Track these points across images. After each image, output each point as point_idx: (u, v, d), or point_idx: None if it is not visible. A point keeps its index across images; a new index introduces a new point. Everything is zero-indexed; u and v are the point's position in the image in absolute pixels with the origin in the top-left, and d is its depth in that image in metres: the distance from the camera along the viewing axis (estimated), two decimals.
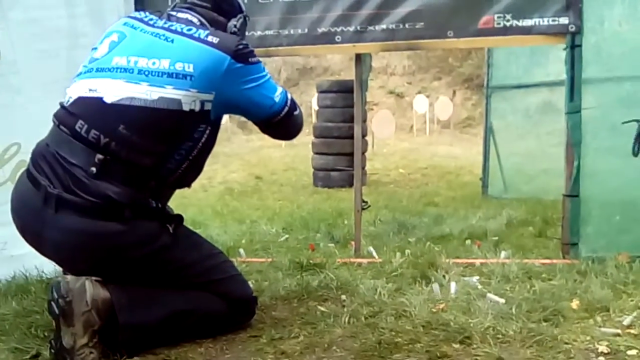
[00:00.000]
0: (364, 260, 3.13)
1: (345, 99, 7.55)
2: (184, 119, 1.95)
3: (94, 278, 1.90)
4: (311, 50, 3.47)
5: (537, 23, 3.05)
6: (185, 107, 1.92)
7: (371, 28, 3.16)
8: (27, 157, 2.81)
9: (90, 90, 1.97)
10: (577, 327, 2.16)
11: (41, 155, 1.98)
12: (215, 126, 2.08)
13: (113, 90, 1.94)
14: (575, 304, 2.38)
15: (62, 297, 1.83)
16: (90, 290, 1.85)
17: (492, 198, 6.01)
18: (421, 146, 12.41)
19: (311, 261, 2.96)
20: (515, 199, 5.61)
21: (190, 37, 1.99)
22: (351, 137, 3.69)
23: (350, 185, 6.58)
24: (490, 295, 2.45)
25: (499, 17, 3.06)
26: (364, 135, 6.99)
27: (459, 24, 3.10)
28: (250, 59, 2.04)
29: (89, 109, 1.96)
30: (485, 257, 3.17)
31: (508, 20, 3.06)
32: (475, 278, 2.74)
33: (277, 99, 2.12)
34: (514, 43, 3.64)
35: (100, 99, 1.94)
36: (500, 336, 2.05)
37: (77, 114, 1.96)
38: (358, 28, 3.16)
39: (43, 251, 2.01)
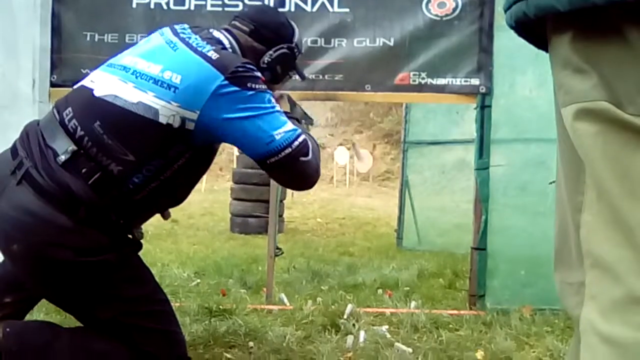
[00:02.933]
0: (275, 307, 3.10)
1: None
2: (159, 132, 1.78)
3: None
4: None
5: (450, 82, 3.19)
6: (162, 120, 1.76)
7: None
8: None
9: (91, 81, 1.89)
10: None
11: (28, 132, 1.89)
12: (202, 154, 1.91)
13: (104, 86, 1.84)
14: (480, 354, 2.43)
15: None
16: None
17: (406, 250, 6.13)
18: (340, 197, 12.57)
19: (220, 307, 2.90)
20: (428, 251, 5.75)
21: (194, 49, 1.83)
22: (270, 184, 3.71)
23: (267, 232, 6.54)
24: (398, 345, 2.46)
25: (414, 75, 3.19)
26: None
27: (377, 78, 3.21)
28: (249, 84, 1.79)
29: (79, 99, 1.87)
30: (396, 307, 3.20)
31: (423, 78, 3.19)
32: (384, 327, 2.76)
33: (277, 137, 1.80)
34: (429, 100, 3.77)
35: (91, 90, 1.84)
36: None
37: (70, 101, 1.88)
38: None
39: None
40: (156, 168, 1.83)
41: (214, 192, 11.47)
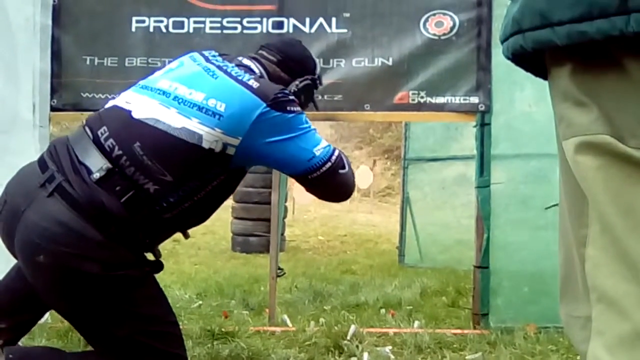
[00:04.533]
0: (278, 329, 3.08)
1: None
2: (201, 156, 1.85)
3: None
4: None
5: (449, 101, 3.19)
6: (205, 145, 1.83)
7: None
8: None
9: (126, 102, 1.94)
10: None
11: (57, 146, 1.92)
12: (234, 176, 1.98)
13: (144, 108, 1.89)
14: None
15: None
16: None
17: (408, 267, 6.10)
18: (341, 214, 12.54)
19: (223, 329, 2.88)
20: (430, 268, 5.72)
21: (234, 78, 1.91)
22: (271, 202, 3.72)
23: (269, 251, 6.52)
24: None
25: (413, 94, 3.19)
26: (284, 201, 7.01)
27: (376, 98, 3.21)
28: (288, 108, 1.89)
29: (116, 119, 1.91)
30: (399, 327, 3.18)
31: (422, 97, 3.19)
32: (388, 348, 2.74)
33: (317, 153, 1.92)
34: (428, 119, 3.80)
35: (130, 112, 1.89)
36: None
37: (105, 121, 1.92)
38: None
39: (13, 230, 1.84)
40: (191, 189, 1.88)
41: None
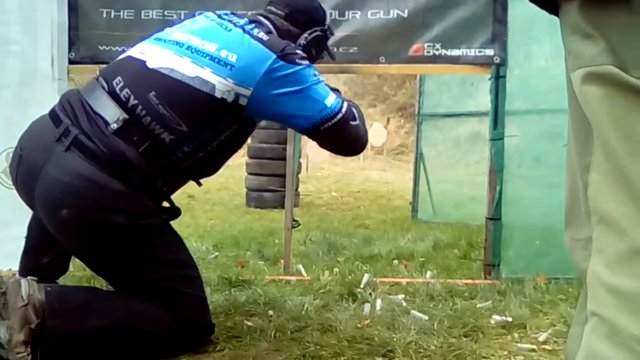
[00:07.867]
0: (293, 278, 3.15)
1: None
2: (213, 105, 1.91)
3: (30, 278, 1.84)
4: None
5: (464, 53, 3.19)
6: (218, 94, 1.90)
7: None
8: None
9: (140, 53, 2.01)
10: (495, 343, 2.25)
11: (69, 99, 1.97)
12: (245, 127, 2.04)
13: (158, 58, 1.96)
14: (494, 321, 2.47)
15: None
16: (25, 286, 1.79)
17: (421, 222, 6.16)
18: (355, 171, 12.59)
19: (240, 277, 2.96)
20: (443, 223, 5.76)
21: (246, 31, 1.99)
22: (285, 158, 3.75)
23: (283, 206, 6.57)
24: (414, 312, 2.51)
25: (428, 46, 3.19)
26: (298, 158, 7.05)
27: (391, 50, 3.21)
28: (297, 61, 1.95)
29: (131, 69, 1.98)
30: (412, 277, 3.24)
31: (437, 49, 3.19)
32: (400, 296, 2.81)
33: (328, 104, 1.97)
34: (443, 71, 3.79)
35: (144, 62, 1.97)
36: (421, 350, 2.10)
37: (119, 71, 1.99)
38: None
39: (32, 185, 1.90)
40: (206, 139, 1.95)
41: (228, 167, 11.41)
